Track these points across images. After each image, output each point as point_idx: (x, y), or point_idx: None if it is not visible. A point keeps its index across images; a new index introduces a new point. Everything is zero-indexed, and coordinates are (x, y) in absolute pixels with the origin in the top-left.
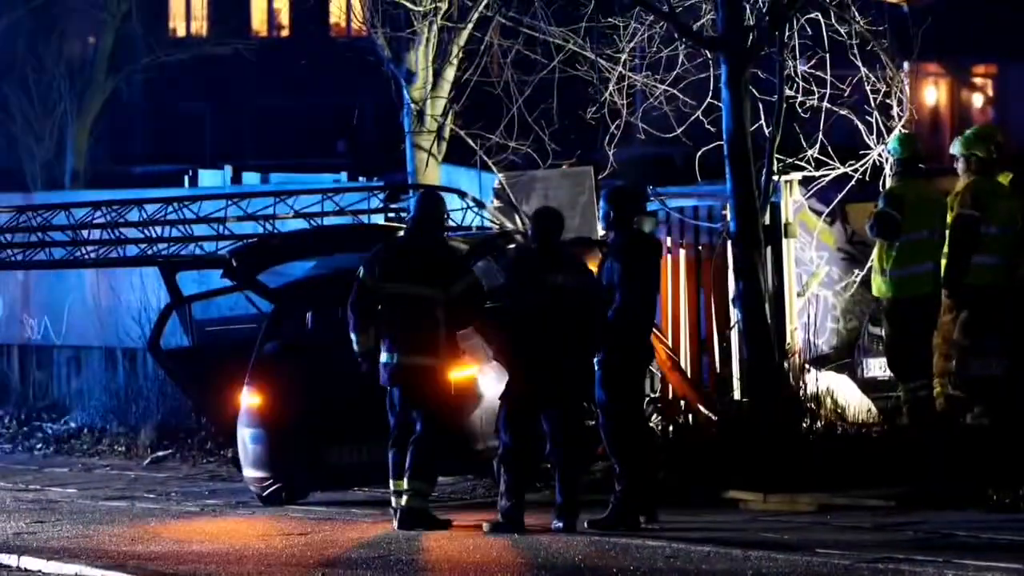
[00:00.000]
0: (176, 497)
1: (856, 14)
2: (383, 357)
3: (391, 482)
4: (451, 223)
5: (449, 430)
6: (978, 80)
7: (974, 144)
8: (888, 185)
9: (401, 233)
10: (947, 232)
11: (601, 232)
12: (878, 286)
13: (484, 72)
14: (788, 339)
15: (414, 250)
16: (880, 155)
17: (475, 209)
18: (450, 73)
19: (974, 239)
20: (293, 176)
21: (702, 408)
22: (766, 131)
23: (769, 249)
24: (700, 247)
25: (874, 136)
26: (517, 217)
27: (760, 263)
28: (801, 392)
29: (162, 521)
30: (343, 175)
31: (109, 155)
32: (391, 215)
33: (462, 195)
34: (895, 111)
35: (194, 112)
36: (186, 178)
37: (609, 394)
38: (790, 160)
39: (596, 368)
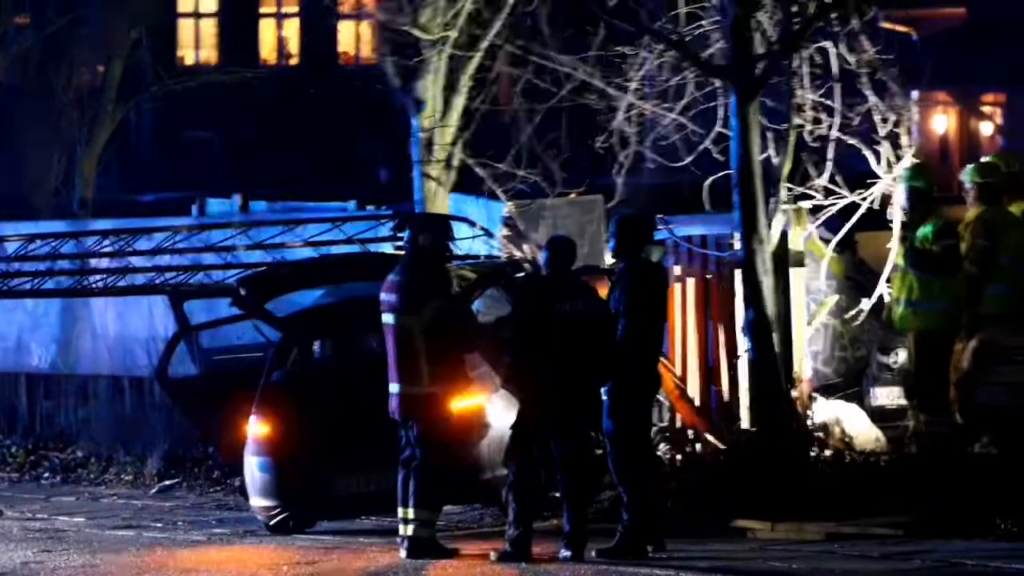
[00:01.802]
0: (183, 526)
1: (865, 43)
2: (390, 388)
3: (399, 509)
4: (455, 250)
5: (452, 459)
6: (987, 109)
7: (985, 173)
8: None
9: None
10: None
11: (610, 261)
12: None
13: (493, 101)
14: (796, 368)
15: (402, 279)
16: (889, 185)
17: (484, 238)
18: (459, 102)
19: (988, 269)
20: (301, 205)
21: (710, 437)
22: (774, 160)
23: (777, 277)
24: (708, 276)
25: (883, 165)
26: (526, 246)
27: (768, 292)
28: (809, 421)
29: (169, 550)
30: (351, 204)
31: (118, 183)
32: (399, 244)
33: (471, 224)
34: (904, 140)
35: (203, 140)
36: (194, 207)
37: (617, 423)
38: (799, 189)
39: (604, 397)
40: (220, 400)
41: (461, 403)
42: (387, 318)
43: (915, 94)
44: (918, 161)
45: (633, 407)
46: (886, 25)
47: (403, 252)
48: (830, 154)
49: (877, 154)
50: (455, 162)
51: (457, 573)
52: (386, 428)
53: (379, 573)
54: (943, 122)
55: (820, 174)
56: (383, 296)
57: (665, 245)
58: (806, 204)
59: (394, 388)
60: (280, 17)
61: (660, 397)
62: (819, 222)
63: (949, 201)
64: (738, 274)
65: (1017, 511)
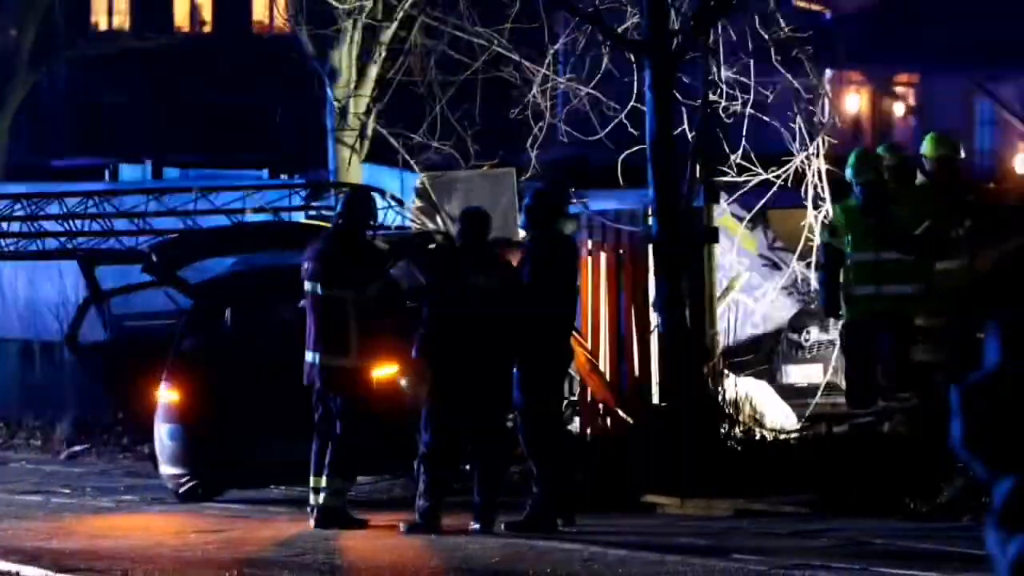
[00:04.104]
0: (92, 493)
1: (781, 20)
2: (306, 356)
3: (311, 478)
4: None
5: (369, 430)
6: (900, 89)
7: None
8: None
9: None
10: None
11: (522, 234)
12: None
13: (408, 71)
14: (707, 344)
15: (330, 250)
16: (803, 162)
17: (396, 208)
18: (373, 71)
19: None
20: (214, 172)
21: (620, 411)
22: (689, 136)
23: (690, 253)
24: (621, 250)
25: (797, 143)
26: (438, 217)
27: (681, 267)
28: (719, 397)
29: (77, 516)
30: (264, 172)
31: (29, 147)
32: (312, 213)
33: (382, 194)
34: (817, 118)
35: (116, 106)
36: (107, 172)
37: (528, 396)
38: (713, 165)
39: (516, 370)
40: (131, 367)
41: (381, 373)
42: (308, 286)
43: (828, 73)
44: (859, 152)
45: (544, 380)
46: (800, 3)
47: (333, 221)
48: (744, 131)
49: (791, 131)
50: (369, 132)
51: (366, 543)
52: (297, 398)
53: (287, 542)
54: (856, 102)
55: (734, 150)
56: (305, 263)
57: (579, 219)
58: (719, 180)
59: (313, 357)
60: None
61: (571, 371)
62: (733, 199)
63: None
64: (651, 249)
65: (925, 491)
